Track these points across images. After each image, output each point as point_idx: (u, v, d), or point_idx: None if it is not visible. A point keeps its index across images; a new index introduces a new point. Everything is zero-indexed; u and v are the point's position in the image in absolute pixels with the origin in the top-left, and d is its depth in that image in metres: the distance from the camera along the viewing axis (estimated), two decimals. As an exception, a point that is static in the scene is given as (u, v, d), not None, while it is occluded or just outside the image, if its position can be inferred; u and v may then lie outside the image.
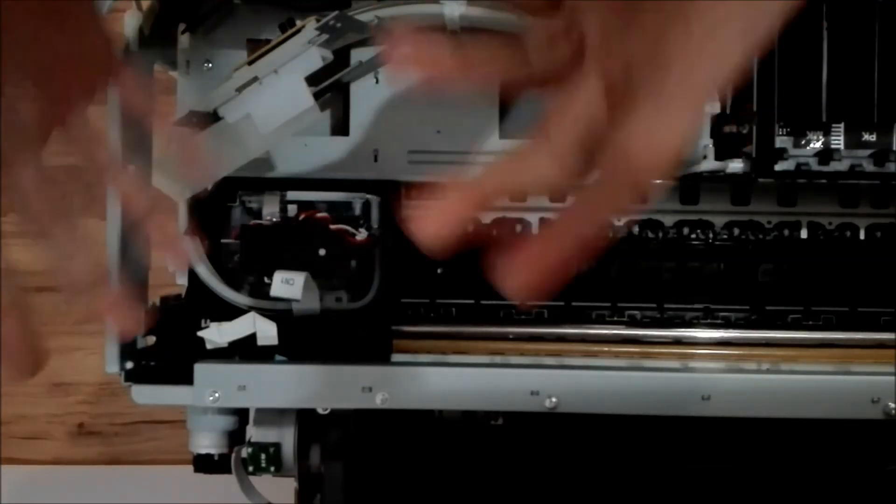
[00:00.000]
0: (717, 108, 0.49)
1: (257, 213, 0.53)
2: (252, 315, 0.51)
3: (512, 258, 0.29)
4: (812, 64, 0.50)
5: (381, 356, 0.51)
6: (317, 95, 0.49)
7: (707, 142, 0.49)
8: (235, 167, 0.51)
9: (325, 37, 0.46)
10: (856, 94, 0.50)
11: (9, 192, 0.35)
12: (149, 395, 0.50)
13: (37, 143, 0.36)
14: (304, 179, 0.53)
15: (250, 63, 0.47)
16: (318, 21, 0.47)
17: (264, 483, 0.55)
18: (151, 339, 0.53)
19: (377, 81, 0.54)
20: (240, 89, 0.47)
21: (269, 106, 0.47)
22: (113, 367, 0.50)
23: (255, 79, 0.47)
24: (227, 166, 0.51)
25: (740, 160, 0.49)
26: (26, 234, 0.37)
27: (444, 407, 0.51)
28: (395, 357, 0.52)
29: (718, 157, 0.49)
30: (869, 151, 0.50)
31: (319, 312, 0.52)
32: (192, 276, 0.53)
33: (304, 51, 0.47)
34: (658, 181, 0.26)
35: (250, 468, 0.52)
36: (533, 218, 0.56)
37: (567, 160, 0.28)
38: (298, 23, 0.47)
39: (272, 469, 0.52)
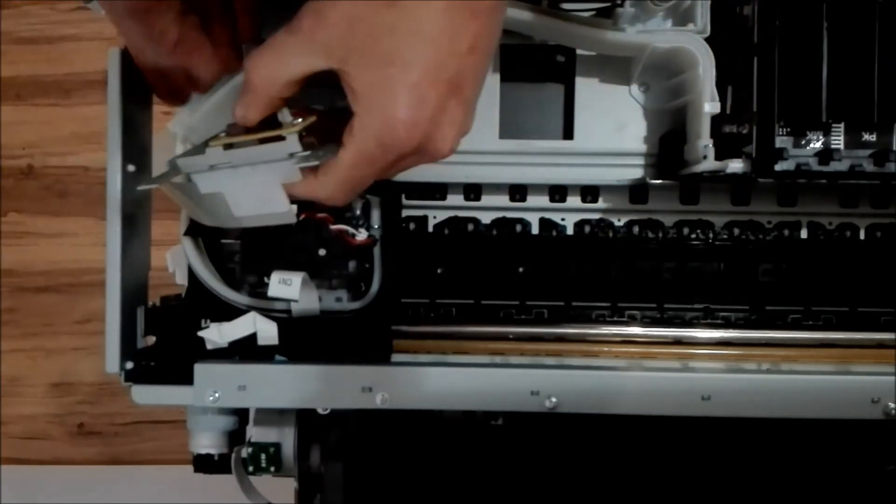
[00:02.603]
0: (717, 108, 0.49)
1: (257, 214, 0.53)
2: (252, 315, 0.51)
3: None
4: (812, 64, 0.50)
5: (381, 356, 0.51)
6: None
7: (707, 142, 0.49)
8: (209, 225, 0.50)
9: (306, 155, 0.43)
10: (856, 94, 0.50)
11: None
12: (149, 395, 0.50)
13: None
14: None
15: (226, 147, 0.44)
16: (301, 135, 0.43)
17: (264, 483, 0.55)
18: (151, 339, 0.53)
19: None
20: (214, 167, 0.44)
21: (243, 194, 0.45)
22: (113, 367, 0.50)
23: (230, 163, 0.44)
24: (204, 220, 0.50)
25: (740, 160, 0.49)
26: None
27: (444, 407, 0.51)
28: (395, 357, 0.52)
29: (718, 157, 0.49)
30: (869, 151, 0.50)
31: (319, 312, 0.52)
32: (192, 276, 0.53)
33: (284, 160, 0.43)
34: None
35: (250, 468, 0.52)
36: (533, 218, 0.56)
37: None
38: (283, 122, 0.43)
39: (272, 469, 0.52)
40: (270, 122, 0.43)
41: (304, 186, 0.44)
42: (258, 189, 0.44)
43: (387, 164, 0.42)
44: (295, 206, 0.46)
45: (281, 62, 0.41)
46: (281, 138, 0.43)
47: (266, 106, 0.42)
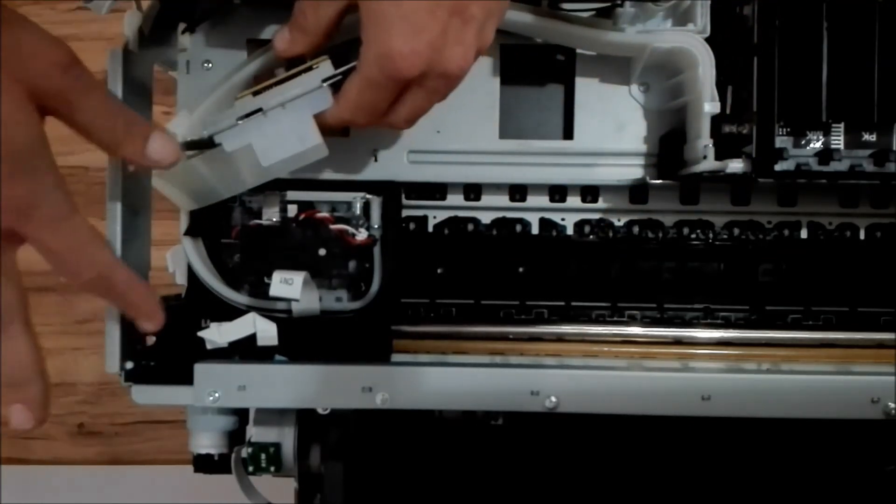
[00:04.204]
0: (717, 109, 0.49)
1: (257, 213, 0.53)
2: (252, 315, 0.51)
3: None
4: (812, 64, 0.50)
5: (381, 356, 0.51)
6: None
7: (707, 142, 0.49)
8: (230, 195, 0.51)
9: (340, 77, 0.45)
10: (856, 94, 0.50)
11: None
12: (149, 395, 0.50)
13: None
14: (304, 179, 0.53)
15: (255, 94, 0.46)
16: (333, 60, 0.46)
17: (264, 483, 0.55)
18: (151, 339, 0.53)
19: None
20: (242, 119, 0.46)
21: (273, 139, 0.46)
22: (113, 367, 0.50)
23: (260, 110, 0.46)
24: (221, 194, 0.50)
25: (740, 160, 0.49)
26: None
27: (444, 407, 0.51)
28: (395, 357, 0.52)
29: (718, 157, 0.49)
30: (869, 151, 0.50)
31: (319, 312, 0.52)
32: (192, 276, 0.53)
33: (317, 88, 0.46)
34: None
35: (250, 468, 0.52)
36: (533, 218, 0.56)
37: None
38: (309, 60, 0.46)
39: (272, 469, 0.52)
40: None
41: (332, 112, 0.46)
42: (290, 127, 0.46)
43: (395, 89, 0.44)
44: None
45: (323, 3, 0.44)
46: (311, 70, 0.46)
47: (310, 42, 0.45)
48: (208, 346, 0.51)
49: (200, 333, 0.51)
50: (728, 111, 0.50)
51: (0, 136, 0.37)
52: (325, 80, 0.46)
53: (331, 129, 0.48)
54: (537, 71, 0.56)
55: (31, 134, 0.38)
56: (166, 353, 0.51)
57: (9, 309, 0.40)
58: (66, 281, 0.41)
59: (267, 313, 0.51)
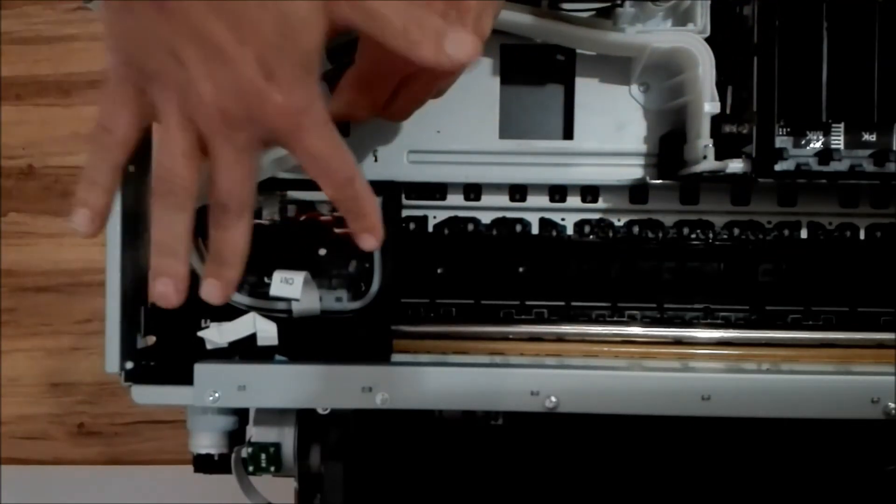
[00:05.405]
0: (717, 109, 0.49)
1: (257, 213, 0.53)
2: (252, 315, 0.51)
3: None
4: (812, 64, 0.50)
5: (381, 356, 0.51)
6: None
7: (707, 142, 0.49)
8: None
9: (335, 71, 0.46)
10: (856, 94, 0.50)
11: None
12: (149, 395, 0.50)
13: None
14: (305, 179, 0.53)
15: None
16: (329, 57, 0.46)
17: (264, 483, 0.55)
18: (151, 339, 0.53)
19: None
20: None
21: None
22: (113, 367, 0.50)
23: None
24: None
25: (740, 160, 0.49)
26: None
27: (444, 407, 0.51)
28: (395, 357, 0.52)
29: (718, 157, 0.49)
30: (869, 151, 0.50)
31: (319, 312, 0.52)
32: (192, 275, 0.53)
33: None
34: None
35: (250, 468, 0.52)
36: (533, 218, 0.56)
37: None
38: None
39: (272, 469, 0.52)
40: None
41: (330, 108, 0.45)
42: None
43: (393, 83, 0.44)
44: None
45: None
46: None
47: None
48: (208, 346, 0.51)
49: (200, 333, 0.51)
50: (728, 111, 0.50)
51: (298, 38, 0.37)
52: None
53: None
54: (537, 71, 0.56)
55: (318, 40, 0.38)
56: (166, 353, 0.51)
57: (247, 201, 0.42)
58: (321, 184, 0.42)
59: (267, 313, 0.51)
